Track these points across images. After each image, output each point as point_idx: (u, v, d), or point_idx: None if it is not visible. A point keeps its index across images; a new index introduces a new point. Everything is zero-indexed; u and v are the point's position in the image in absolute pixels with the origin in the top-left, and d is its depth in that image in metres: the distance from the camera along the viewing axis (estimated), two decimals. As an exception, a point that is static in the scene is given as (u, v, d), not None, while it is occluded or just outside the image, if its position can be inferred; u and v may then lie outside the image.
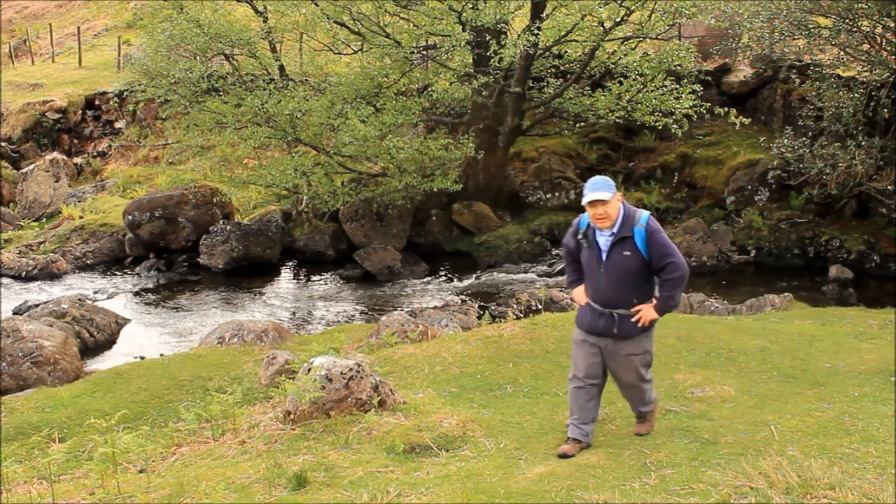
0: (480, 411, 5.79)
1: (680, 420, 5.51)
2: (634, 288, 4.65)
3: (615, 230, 4.60)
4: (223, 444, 5.58)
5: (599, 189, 4.56)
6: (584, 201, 4.58)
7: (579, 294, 4.86)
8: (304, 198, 15.88)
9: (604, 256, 4.65)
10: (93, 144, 22.87)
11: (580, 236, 4.77)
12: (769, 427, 5.13)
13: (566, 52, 16.37)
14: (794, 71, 16.02)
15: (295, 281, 14.84)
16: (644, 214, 4.61)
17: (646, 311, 4.65)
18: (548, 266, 14.87)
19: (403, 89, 16.07)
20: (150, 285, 14.39)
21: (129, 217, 15.84)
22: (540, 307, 10.62)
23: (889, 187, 13.69)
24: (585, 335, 4.80)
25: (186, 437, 5.96)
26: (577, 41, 15.19)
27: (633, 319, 4.64)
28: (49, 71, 26.04)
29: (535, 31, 13.96)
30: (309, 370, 5.57)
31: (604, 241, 4.65)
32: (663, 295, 4.63)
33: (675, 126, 13.89)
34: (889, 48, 13.28)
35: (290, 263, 15.66)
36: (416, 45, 15.69)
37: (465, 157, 15.42)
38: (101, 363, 10.13)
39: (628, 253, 4.57)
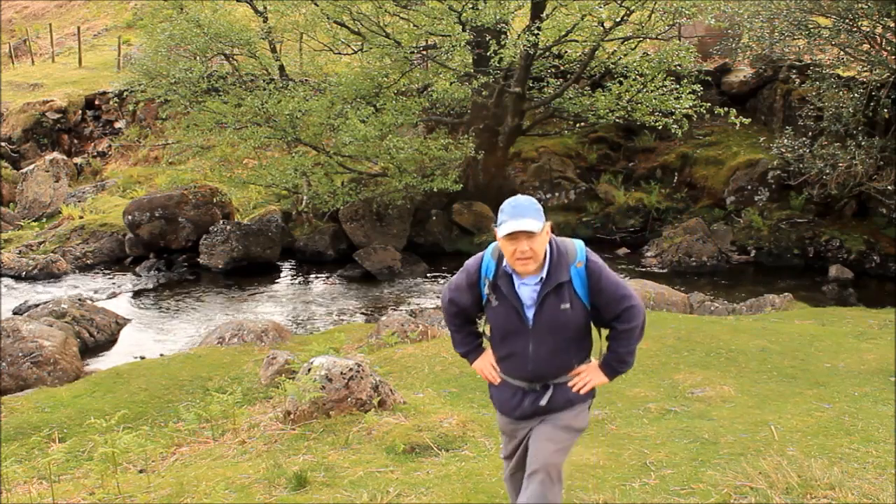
0: (480, 411, 5.79)
1: (680, 420, 5.51)
2: (575, 350, 3.28)
3: (544, 274, 3.17)
4: (223, 444, 5.58)
5: (524, 214, 3.10)
6: (501, 233, 3.13)
7: (487, 369, 3.40)
8: (304, 198, 15.88)
9: (530, 314, 3.20)
10: (93, 144, 22.87)
11: (486, 289, 3.27)
12: (769, 427, 5.13)
13: (566, 52, 16.37)
14: (794, 71, 16.02)
15: (295, 281, 14.84)
16: (579, 247, 3.23)
17: (590, 374, 3.29)
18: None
19: (403, 89, 16.07)
20: (150, 285, 14.38)
21: (129, 217, 15.83)
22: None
23: (889, 187, 13.69)
24: (510, 422, 3.40)
25: (186, 437, 5.97)
26: (577, 41, 15.20)
27: (570, 385, 3.28)
28: (49, 71, 26.04)
29: (535, 31, 13.96)
30: (309, 370, 5.57)
31: (528, 291, 3.20)
32: (619, 352, 3.26)
33: (675, 126, 13.89)
34: (889, 48, 13.28)
35: (290, 263, 15.66)
36: (416, 45, 15.69)
37: (465, 157, 15.42)
38: (101, 363, 10.13)
39: (567, 305, 3.18)
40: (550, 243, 3.21)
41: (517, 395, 3.32)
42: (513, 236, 3.11)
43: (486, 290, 3.28)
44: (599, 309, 3.24)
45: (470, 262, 3.38)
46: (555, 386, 3.28)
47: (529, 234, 3.10)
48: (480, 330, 3.48)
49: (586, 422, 3.36)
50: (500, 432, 3.57)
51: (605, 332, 3.35)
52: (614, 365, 3.30)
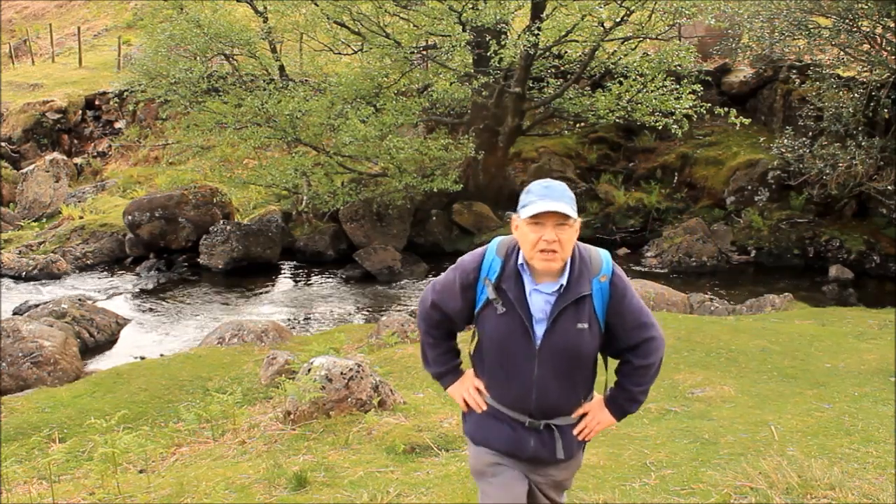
0: (480, 411, 5.78)
1: (680, 420, 5.51)
2: (584, 383, 2.72)
3: (564, 281, 2.61)
4: (223, 444, 5.58)
5: (558, 198, 2.55)
6: (526, 214, 2.57)
7: (469, 394, 2.78)
8: (304, 198, 15.88)
9: (539, 331, 2.62)
10: (93, 144, 22.87)
11: (488, 292, 2.65)
12: (769, 427, 5.13)
13: (566, 52, 16.37)
14: (794, 71, 16.03)
15: (295, 281, 14.84)
16: (605, 258, 2.69)
17: (597, 417, 2.74)
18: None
19: (403, 89, 16.07)
20: (150, 285, 14.38)
21: (129, 217, 15.84)
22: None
23: (889, 187, 13.69)
24: (503, 458, 2.75)
25: (186, 437, 5.97)
26: (577, 41, 15.19)
27: (577, 433, 2.74)
28: (49, 71, 26.04)
29: (535, 32, 13.96)
30: (309, 370, 5.57)
31: (541, 301, 2.62)
32: (631, 390, 2.71)
33: (675, 126, 13.88)
34: (889, 48, 13.28)
35: (290, 263, 15.66)
36: (416, 45, 15.69)
37: (465, 157, 15.42)
38: (101, 363, 10.13)
39: (584, 325, 2.61)
40: (577, 249, 2.65)
41: (516, 429, 2.69)
42: (540, 219, 2.53)
43: (488, 294, 2.64)
44: (614, 335, 2.68)
45: (466, 259, 2.73)
46: (561, 431, 2.69)
47: (561, 220, 2.52)
48: (459, 347, 2.86)
49: (580, 462, 2.89)
50: (476, 473, 2.82)
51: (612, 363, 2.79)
52: (623, 404, 2.73)
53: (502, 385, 2.69)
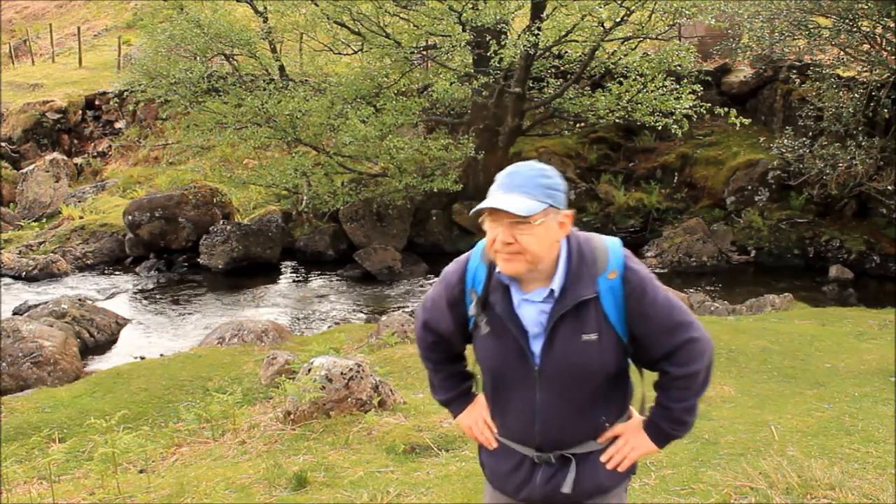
0: (480, 411, 5.78)
1: (680, 420, 5.50)
2: (605, 403, 2.22)
3: (556, 287, 2.10)
4: (223, 444, 5.58)
5: (516, 188, 2.04)
6: (481, 205, 2.08)
7: (478, 427, 2.35)
8: (304, 198, 15.88)
9: (536, 348, 2.14)
10: (93, 144, 22.88)
11: (473, 308, 2.20)
12: (769, 427, 5.13)
13: (566, 52, 16.37)
14: (794, 71, 16.03)
15: (295, 281, 14.84)
16: (613, 249, 2.14)
17: (631, 441, 2.23)
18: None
19: (403, 89, 16.07)
20: (150, 285, 14.38)
21: (129, 217, 15.84)
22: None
23: (889, 187, 13.69)
24: (509, 500, 2.33)
25: (186, 437, 5.97)
26: (577, 41, 15.19)
27: (605, 461, 2.22)
28: (49, 71, 26.05)
29: (535, 32, 13.96)
30: (309, 370, 5.57)
31: (534, 312, 2.13)
32: (672, 408, 2.20)
33: (675, 126, 13.88)
34: (889, 48, 13.28)
35: (290, 263, 15.66)
36: (416, 45, 15.69)
37: (465, 157, 15.42)
38: (101, 363, 10.13)
39: (592, 336, 2.10)
40: (569, 242, 2.13)
41: (523, 467, 2.24)
42: (492, 215, 2.05)
43: (472, 310, 2.20)
44: (643, 343, 2.15)
45: (450, 270, 2.28)
46: (578, 459, 2.20)
47: (515, 219, 2.01)
48: (469, 368, 2.44)
49: (625, 499, 2.31)
50: None
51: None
52: (664, 426, 2.21)
53: (504, 415, 2.27)
